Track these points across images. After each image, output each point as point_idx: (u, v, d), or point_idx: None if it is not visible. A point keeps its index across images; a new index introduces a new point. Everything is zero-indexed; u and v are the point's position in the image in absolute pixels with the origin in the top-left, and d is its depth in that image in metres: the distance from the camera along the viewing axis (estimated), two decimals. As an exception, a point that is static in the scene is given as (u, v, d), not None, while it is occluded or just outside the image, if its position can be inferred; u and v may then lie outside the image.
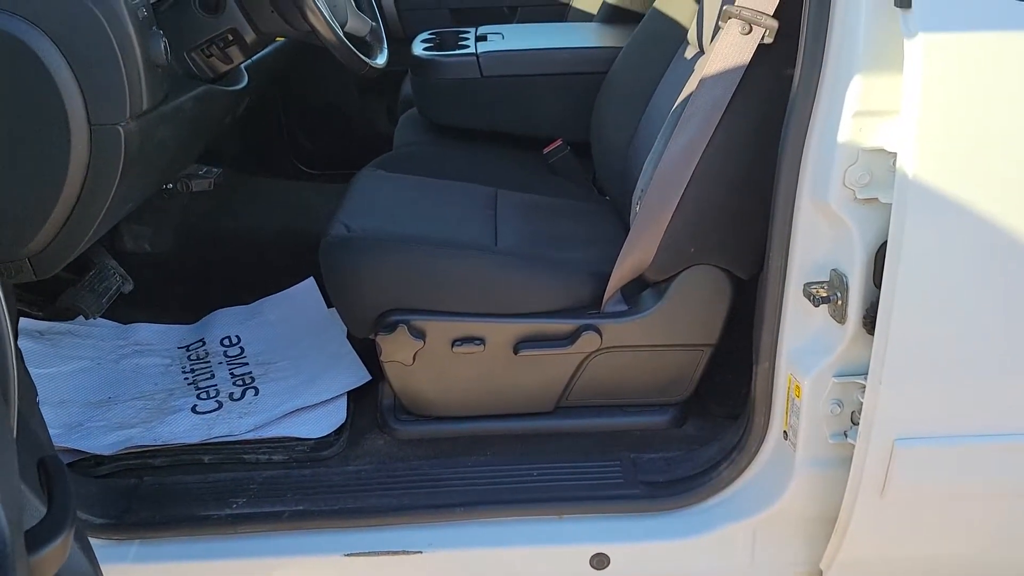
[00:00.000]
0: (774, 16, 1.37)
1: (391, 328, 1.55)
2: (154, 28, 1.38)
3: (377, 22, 1.84)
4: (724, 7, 1.40)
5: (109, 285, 1.91)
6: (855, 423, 1.39)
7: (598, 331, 1.57)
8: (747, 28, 1.38)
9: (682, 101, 1.53)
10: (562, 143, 2.12)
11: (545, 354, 1.59)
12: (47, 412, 1.68)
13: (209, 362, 1.99)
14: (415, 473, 1.59)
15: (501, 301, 1.57)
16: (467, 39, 2.25)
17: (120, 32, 1.27)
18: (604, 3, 2.48)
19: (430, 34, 2.35)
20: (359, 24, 1.76)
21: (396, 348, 1.56)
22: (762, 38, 1.38)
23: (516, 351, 1.58)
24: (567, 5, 2.89)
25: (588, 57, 2.14)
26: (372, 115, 2.99)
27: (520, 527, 1.52)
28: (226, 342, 2.06)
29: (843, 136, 1.24)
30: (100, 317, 2.05)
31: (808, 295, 1.35)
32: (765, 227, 1.39)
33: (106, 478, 1.60)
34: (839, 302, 1.32)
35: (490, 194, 1.90)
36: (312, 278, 2.15)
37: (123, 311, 2.11)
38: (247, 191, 2.49)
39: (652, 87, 1.90)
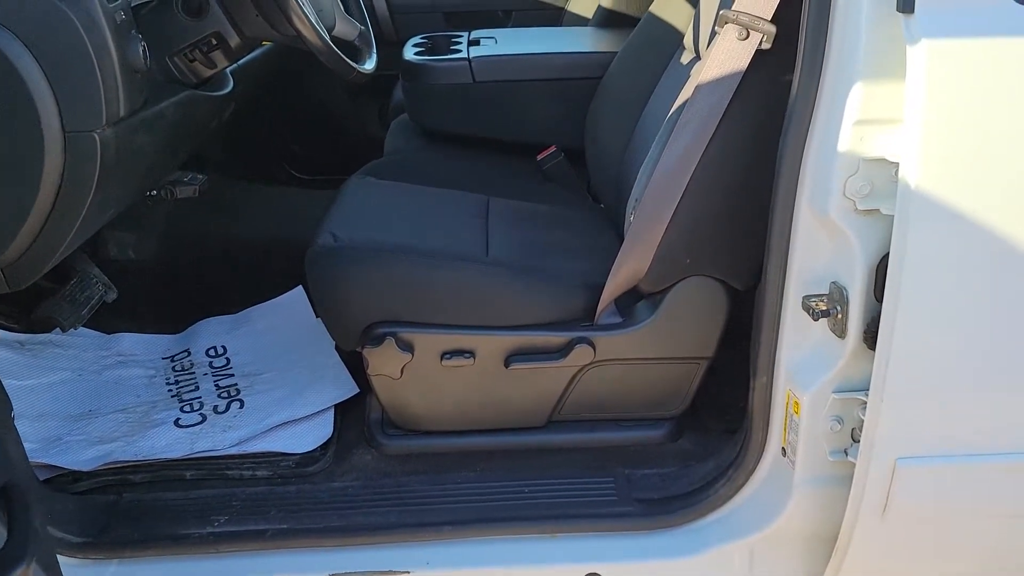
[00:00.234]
0: (772, 21, 1.33)
1: (378, 341, 1.50)
2: (133, 32, 1.34)
3: (366, 26, 1.80)
4: (721, 12, 1.36)
5: (91, 295, 1.86)
6: (856, 440, 1.35)
7: (591, 344, 1.53)
8: (744, 33, 1.34)
9: (677, 108, 1.49)
10: (556, 150, 2.08)
11: (537, 367, 1.54)
12: (25, 426, 1.65)
13: (194, 373, 1.94)
14: (403, 490, 1.55)
15: (492, 313, 1.53)
16: (459, 43, 2.21)
17: (96, 36, 1.23)
18: (599, 7, 2.44)
19: (422, 38, 2.31)
20: (347, 28, 1.72)
21: (383, 361, 1.51)
22: (760, 44, 1.34)
23: (507, 364, 1.53)
24: (562, 9, 2.85)
25: (582, 62, 2.10)
26: (365, 120, 2.96)
27: (511, 546, 1.47)
28: (212, 352, 2.01)
29: (843, 145, 1.20)
30: (82, 327, 2.00)
31: (807, 308, 1.31)
32: (762, 238, 1.35)
33: (84, 494, 1.56)
34: (839, 316, 1.28)
35: (482, 202, 1.86)
36: (301, 287, 2.10)
37: (107, 320, 2.06)
38: (235, 197, 2.44)
39: (647, 93, 1.86)
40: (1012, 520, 1.34)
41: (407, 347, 1.51)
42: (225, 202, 2.41)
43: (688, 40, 1.77)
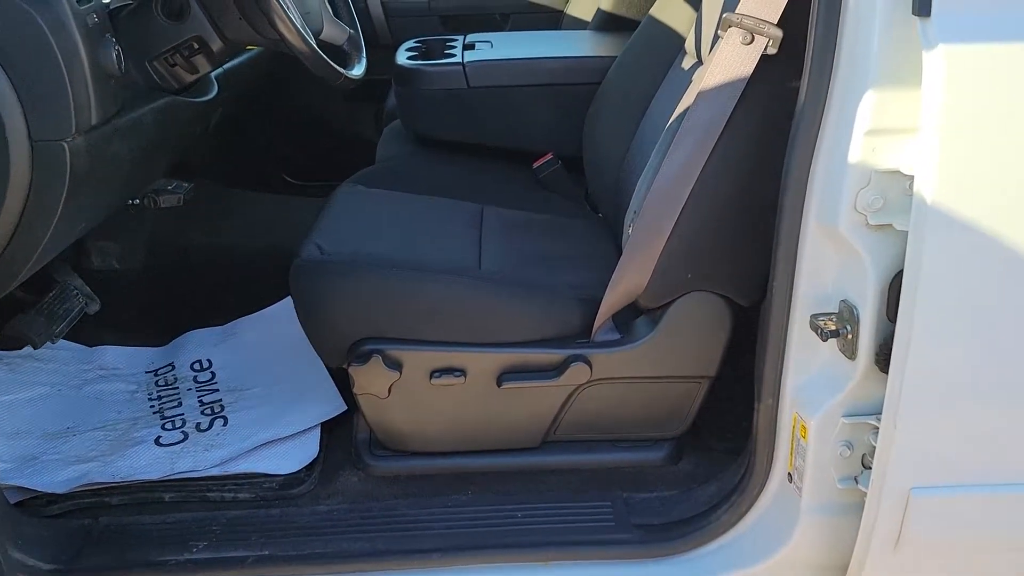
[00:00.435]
0: (778, 25, 1.26)
1: (364, 358, 1.43)
2: (107, 36, 1.28)
3: (356, 29, 1.73)
4: (724, 15, 1.29)
5: (70, 307, 1.80)
6: (867, 467, 1.28)
7: (588, 362, 1.46)
8: (749, 38, 1.28)
9: (678, 116, 1.42)
10: (553, 157, 2.02)
11: (530, 387, 1.47)
12: None
13: (177, 388, 1.88)
14: (390, 514, 1.48)
15: (483, 329, 1.46)
16: (454, 47, 2.14)
17: (65, 40, 1.17)
18: (599, 10, 2.38)
19: (416, 42, 2.25)
20: (336, 32, 1.65)
21: (370, 380, 1.45)
22: (765, 48, 1.27)
23: (499, 383, 1.47)
24: (561, 12, 2.79)
25: (580, 67, 2.03)
26: (361, 124, 2.89)
27: (503, 574, 1.40)
28: (196, 366, 1.95)
29: (854, 156, 1.13)
30: (64, 339, 1.94)
31: (815, 328, 1.24)
32: (768, 252, 1.29)
33: (58, 518, 1.49)
34: (849, 336, 1.21)
35: (476, 211, 1.80)
36: (290, 298, 2.03)
37: (89, 332, 2.00)
38: (224, 205, 2.38)
39: (648, 99, 1.80)
40: (1032, 552, 1.27)
41: (395, 365, 1.45)
42: (215, 210, 2.35)
43: (690, 44, 1.70)
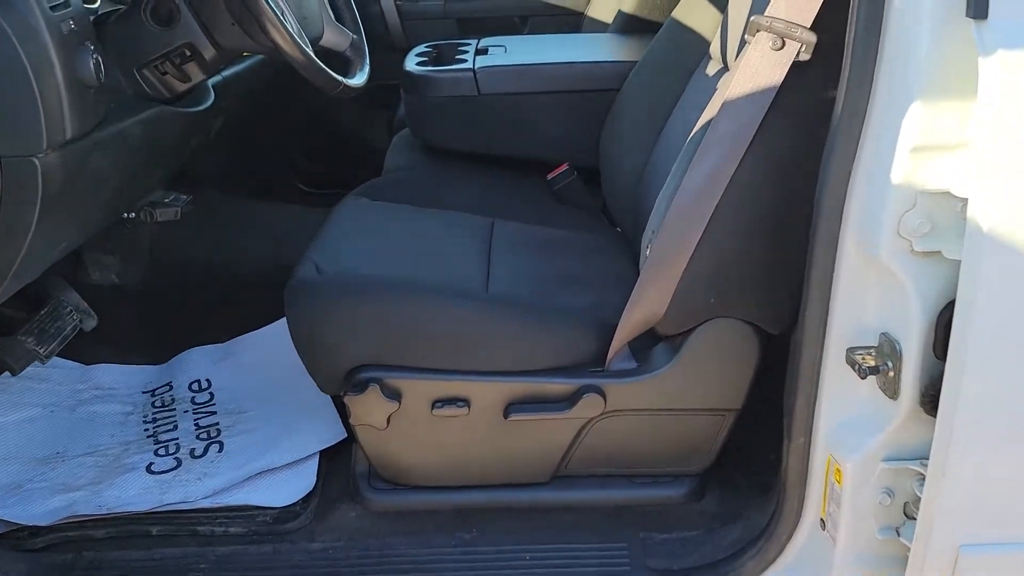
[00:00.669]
0: (812, 28, 1.15)
1: (361, 387, 1.34)
2: (86, 44, 1.19)
3: (359, 34, 1.64)
4: (752, 18, 1.18)
5: (63, 325, 1.72)
6: (909, 516, 1.16)
7: (601, 393, 1.35)
8: (779, 43, 1.16)
9: (701, 127, 1.31)
10: (568, 168, 1.91)
11: (539, 419, 1.37)
12: (-16, 472, 1.51)
13: (174, 410, 1.79)
14: (388, 553, 1.39)
15: (489, 357, 1.36)
16: (466, 52, 2.04)
17: (34, 48, 1.08)
18: (619, 12, 2.27)
19: (427, 47, 2.15)
20: (337, 37, 1.56)
21: (367, 410, 1.35)
22: (797, 55, 1.16)
23: (506, 415, 1.36)
24: (582, 14, 2.68)
25: (598, 72, 1.92)
26: (376, 131, 2.80)
27: (509, 622, 1.30)
28: (195, 387, 1.87)
29: (898, 175, 1.01)
30: (59, 357, 1.87)
31: (852, 363, 1.12)
32: (799, 276, 1.17)
33: (40, 552, 1.41)
34: (890, 374, 1.09)
35: (486, 226, 1.69)
36: (292, 317, 1.94)
37: (86, 348, 1.92)
38: (229, 217, 2.29)
39: (670, 106, 1.68)
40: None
41: (394, 394, 1.35)
42: (219, 222, 2.27)
43: (715, 48, 1.59)
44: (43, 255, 1.27)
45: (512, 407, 1.36)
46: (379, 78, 2.52)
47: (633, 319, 1.33)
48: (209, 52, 1.41)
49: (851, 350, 1.13)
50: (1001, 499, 1.06)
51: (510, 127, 1.93)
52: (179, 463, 1.61)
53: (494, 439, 1.40)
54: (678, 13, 1.80)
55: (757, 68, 1.18)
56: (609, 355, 1.36)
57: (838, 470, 1.18)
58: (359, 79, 1.53)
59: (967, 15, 0.93)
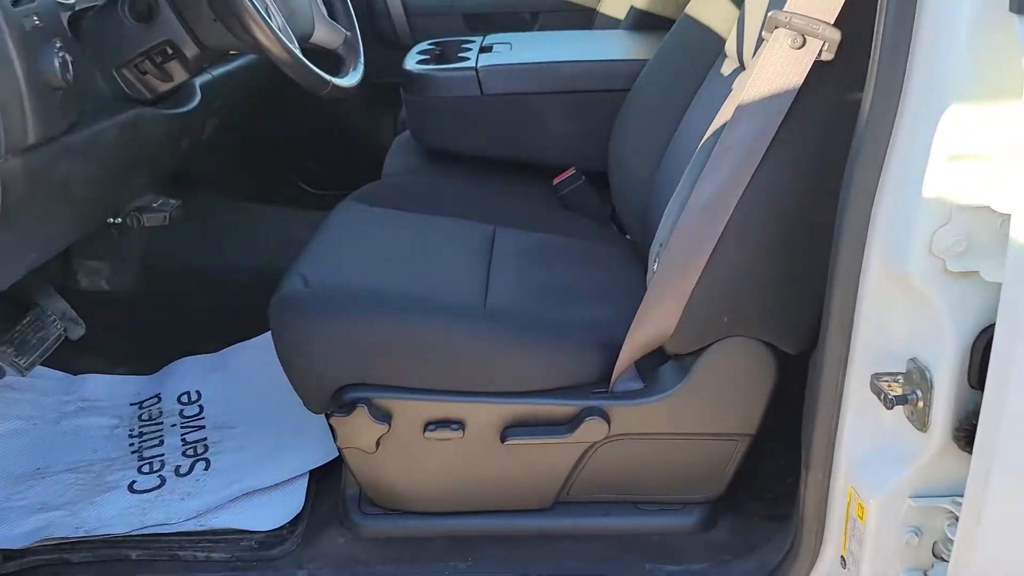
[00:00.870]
0: (835, 25, 1.05)
1: (348, 408, 1.26)
2: (53, 41, 1.11)
3: (353, 31, 1.55)
4: (770, 14, 1.08)
5: (46, 335, 1.65)
6: (939, 558, 1.06)
7: (605, 416, 1.26)
8: (799, 40, 1.06)
9: (715, 132, 1.22)
10: (575, 172, 1.82)
11: (538, 443, 1.28)
12: (-41, 491, 1.44)
13: (161, 423, 1.72)
14: (379, 583, 1.30)
15: (485, 377, 1.27)
16: (469, 50, 1.95)
17: (-10, 47, 1.00)
18: (631, 8, 2.17)
19: (430, 44, 2.06)
20: (329, 35, 1.48)
21: (355, 432, 1.27)
22: (819, 53, 1.06)
23: (503, 438, 1.28)
24: (594, 10, 2.58)
25: (607, 72, 1.82)
26: (383, 131, 2.72)
27: (504, 662, 1.22)
28: (184, 398, 1.79)
29: (931, 187, 0.91)
30: (45, 367, 1.80)
31: (877, 391, 1.02)
32: (820, 293, 1.08)
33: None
34: (919, 404, 1.00)
35: (487, 233, 1.61)
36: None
37: (74, 358, 1.86)
38: (225, 220, 2.22)
39: (683, 108, 1.59)
40: None
41: (383, 416, 1.26)
42: (215, 226, 2.20)
43: (731, 46, 1.49)
44: (8, 268, 1.20)
45: (509, 430, 1.27)
46: (384, 76, 2.45)
47: (640, 337, 1.24)
48: (191, 50, 1.34)
49: (876, 377, 1.03)
50: (1043, 545, 0.96)
51: (514, 129, 1.84)
52: (163, 481, 1.54)
53: (490, 463, 1.31)
54: (692, 9, 1.70)
55: (775, 68, 1.08)
56: (614, 375, 1.27)
57: (860, 505, 1.08)
58: (351, 79, 1.45)
59: (1010, 10, 0.84)
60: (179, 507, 1.46)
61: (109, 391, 1.82)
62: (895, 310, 1.01)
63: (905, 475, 1.04)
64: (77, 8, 1.34)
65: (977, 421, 0.92)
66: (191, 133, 1.65)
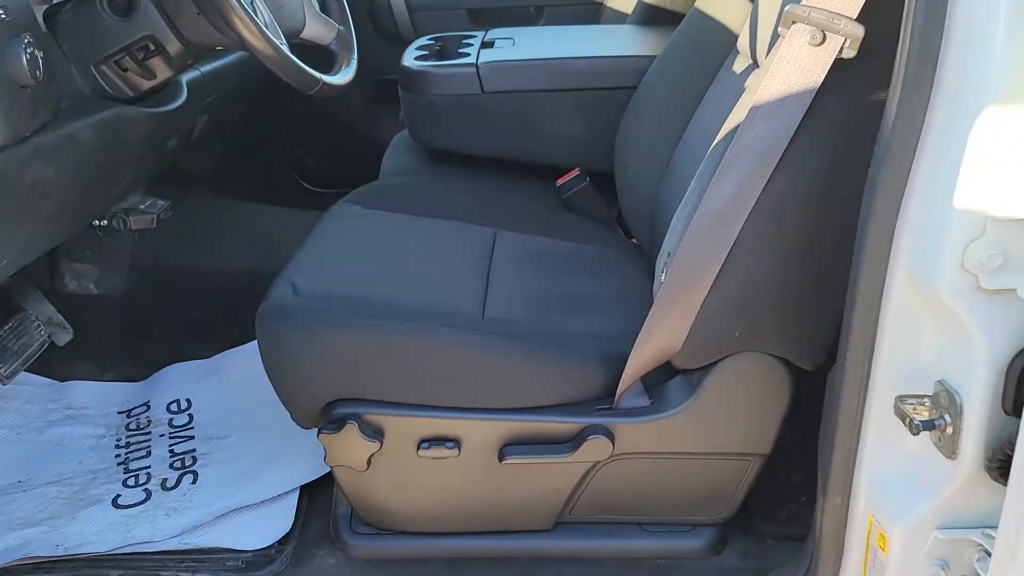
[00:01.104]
0: (858, 20, 0.97)
1: (338, 425, 1.19)
2: (22, 36, 1.05)
3: (346, 25, 1.48)
4: (787, 8, 1.01)
5: (29, 341, 1.59)
6: (966, 594, 0.99)
7: (609, 434, 1.19)
8: (819, 36, 0.99)
9: (727, 135, 1.14)
10: (579, 173, 1.74)
11: (539, 462, 1.21)
12: (-67, 506, 1.39)
13: (149, 433, 1.66)
14: (370, 609, 1.24)
15: (483, 392, 1.20)
16: (470, 45, 1.88)
17: (-49, 43, 0.94)
18: (639, 2, 2.09)
19: (430, 39, 1.99)
20: (321, 29, 1.41)
21: (345, 450, 1.20)
22: (840, 50, 0.99)
23: (501, 457, 1.21)
24: (600, 4, 2.50)
25: (613, 68, 1.75)
26: (384, 129, 2.65)
27: None
28: (174, 407, 1.73)
29: (963, 197, 0.84)
30: (31, 373, 1.74)
31: (902, 415, 0.95)
32: (840, 307, 1.01)
33: (-11, 597, 1.28)
34: (948, 430, 0.92)
35: (487, 237, 1.54)
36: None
37: (61, 364, 1.80)
38: (219, 221, 2.16)
39: (692, 107, 1.52)
40: None
41: (374, 433, 1.20)
42: (208, 226, 2.13)
43: (743, 43, 1.41)
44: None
45: (508, 448, 1.21)
46: (386, 72, 2.38)
47: (646, 352, 1.17)
48: (174, 46, 1.27)
49: (900, 399, 0.96)
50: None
51: (516, 128, 1.77)
52: (148, 496, 1.48)
53: (488, 483, 1.24)
54: (702, 3, 1.62)
55: (792, 66, 1.01)
56: (619, 391, 1.20)
57: (882, 535, 1.01)
58: (343, 77, 1.37)
59: (1056, 3, 0.76)
60: (164, 523, 1.40)
61: (96, 398, 1.76)
62: (922, 328, 0.94)
63: (932, 504, 0.96)
64: (54, 1, 1.28)
65: (1013, 451, 0.85)
66: (179, 132, 1.58)
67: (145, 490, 1.49)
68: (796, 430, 1.22)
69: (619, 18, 2.32)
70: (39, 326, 1.65)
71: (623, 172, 1.68)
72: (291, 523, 1.38)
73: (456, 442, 1.20)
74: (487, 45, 1.88)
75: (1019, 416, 0.85)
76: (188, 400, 1.74)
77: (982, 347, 0.88)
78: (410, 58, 1.82)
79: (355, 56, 1.45)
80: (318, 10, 1.43)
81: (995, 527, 0.89)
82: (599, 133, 1.73)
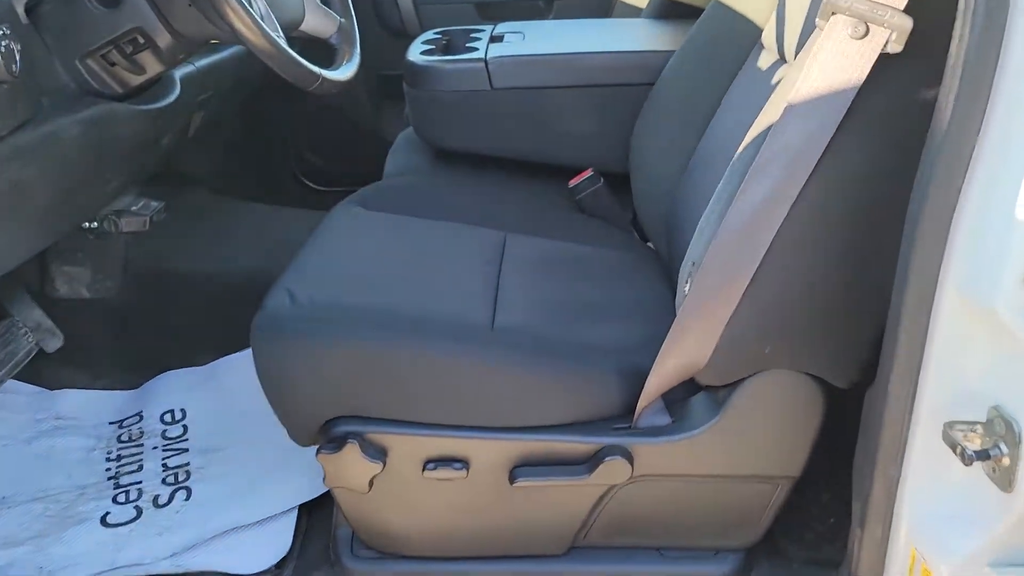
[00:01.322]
0: (905, 11, 0.89)
1: (338, 444, 1.11)
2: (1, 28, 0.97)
3: (348, 18, 1.40)
4: (825, -2, 0.93)
5: (15, 349, 1.52)
6: (1020, 637, 0.91)
7: (628, 455, 1.11)
8: (861, 29, 0.91)
9: (757, 136, 1.06)
10: (593, 174, 1.66)
11: (552, 485, 1.14)
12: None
13: (142, 445, 1.59)
14: (372, 639, 1.17)
15: (492, 409, 1.13)
16: (479, 40, 1.80)
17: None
18: (655, -7, 2.01)
19: (436, 33, 1.91)
20: (321, 22, 1.33)
21: (345, 471, 1.13)
22: (885, 45, 0.91)
23: (512, 479, 1.13)
24: (612, -4, 2.42)
25: (629, 64, 1.66)
26: (389, 125, 2.58)
27: None
28: (168, 417, 1.66)
29: (1028, 206, 0.76)
30: (18, 380, 1.67)
31: (952, 444, 0.87)
32: (880, 322, 0.93)
33: (-32, 624, 1.21)
34: (1004, 460, 0.84)
35: (497, 241, 1.46)
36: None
37: (51, 371, 1.74)
38: (217, 221, 2.09)
39: (713, 105, 1.44)
40: None
41: (377, 453, 1.12)
42: (205, 227, 2.06)
43: (768, 37, 1.33)
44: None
45: (519, 470, 1.13)
46: (391, 67, 2.30)
47: (668, 367, 1.09)
48: (164, 39, 1.19)
49: (950, 426, 0.88)
50: None
51: (527, 126, 1.69)
52: (139, 513, 1.41)
53: (498, 505, 1.17)
54: (723, -7, 1.54)
55: (832, 62, 0.93)
56: (638, 409, 1.13)
57: (927, 570, 0.93)
58: (345, 72, 1.29)
59: None
60: (155, 543, 1.33)
61: (87, 408, 1.69)
62: (974, 348, 0.86)
63: (984, 540, 0.88)
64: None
65: (1079, 486, 0.77)
66: (172, 130, 1.50)
67: (136, 507, 1.42)
68: (823, 446, 1.15)
69: (632, 12, 2.23)
70: (26, 333, 1.58)
71: (639, 173, 1.60)
72: (289, 545, 1.31)
73: (464, 462, 1.13)
74: (496, 39, 1.79)
75: (1087, 448, 0.77)
76: (183, 410, 1.67)
77: (1045, 371, 0.80)
78: (416, 53, 1.74)
79: (357, 50, 1.38)
80: (318, 1, 1.35)
81: (1055, 567, 0.82)
82: (614, 132, 1.65)
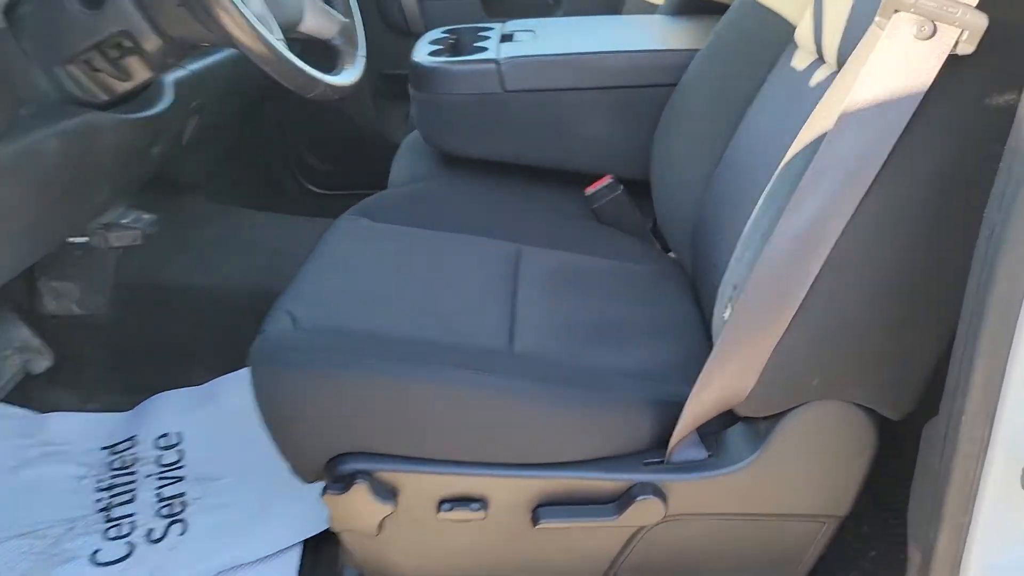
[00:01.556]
0: (979, 8, 0.80)
1: (345, 484, 1.02)
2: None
3: (351, 18, 1.31)
4: (886, -7, 0.83)
5: (0, 373, 1.43)
6: None
7: (661, 493, 1.02)
8: (928, 28, 0.81)
9: (806, 147, 0.96)
10: (612, 181, 1.57)
11: (579, 526, 1.04)
12: None
13: (135, 473, 1.50)
14: None
15: (512, 445, 1.03)
16: (487, 39, 1.70)
17: None
18: (672, -12, 1.91)
19: (443, 32, 1.81)
20: (322, 23, 1.24)
21: (353, 514, 1.03)
22: (955, 46, 0.81)
23: (535, 520, 1.04)
24: (624, -9, 2.33)
25: (650, 64, 1.56)
26: (395, 127, 2.49)
27: None
28: (163, 441, 1.57)
29: None
30: (6, 404, 1.58)
31: (1034, 492, 0.78)
32: (936, 348, 0.84)
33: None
34: (1096, 513, 0.75)
35: (511, 254, 1.37)
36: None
37: (40, 393, 1.65)
38: (214, 232, 1.99)
39: (741, 109, 1.34)
40: None
41: (388, 493, 1.03)
42: (202, 238, 1.96)
43: (803, 35, 1.24)
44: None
45: (542, 510, 1.04)
46: (395, 67, 2.21)
47: (706, 400, 1.00)
48: (153, 43, 1.10)
49: (1031, 472, 0.79)
50: None
51: (541, 131, 1.59)
52: (131, 550, 1.32)
53: (519, 548, 1.08)
54: (750, -12, 1.44)
55: (893, 65, 0.83)
56: (672, 442, 1.03)
57: (999, 628, 0.84)
58: (348, 76, 1.20)
59: None
60: (148, 584, 1.24)
61: (78, 432, 1.59)
62: (1061, 386, 0.77)
63: (1067, 599, 0.80)
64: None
65: None
66: (164, 138, 1.41)
67: (128, 543, 1.33)
68: (870, 477, 1.06)
69: (646, 8, 2.14)
70: (11, 355, 1.49)
71: (661, 179, 1.51)
72: (292, 585, 1.22)
73: (482, 502, 1.04)
74: (506, 38, 1.70)
75: None
76: (179, 434, 1.58)
77: None
78: (422, 53, 1.64)
79: (361, 53, 1.28)
80: (319, 1, 1.25)
81: None
82: (634, 136, 1.55)
